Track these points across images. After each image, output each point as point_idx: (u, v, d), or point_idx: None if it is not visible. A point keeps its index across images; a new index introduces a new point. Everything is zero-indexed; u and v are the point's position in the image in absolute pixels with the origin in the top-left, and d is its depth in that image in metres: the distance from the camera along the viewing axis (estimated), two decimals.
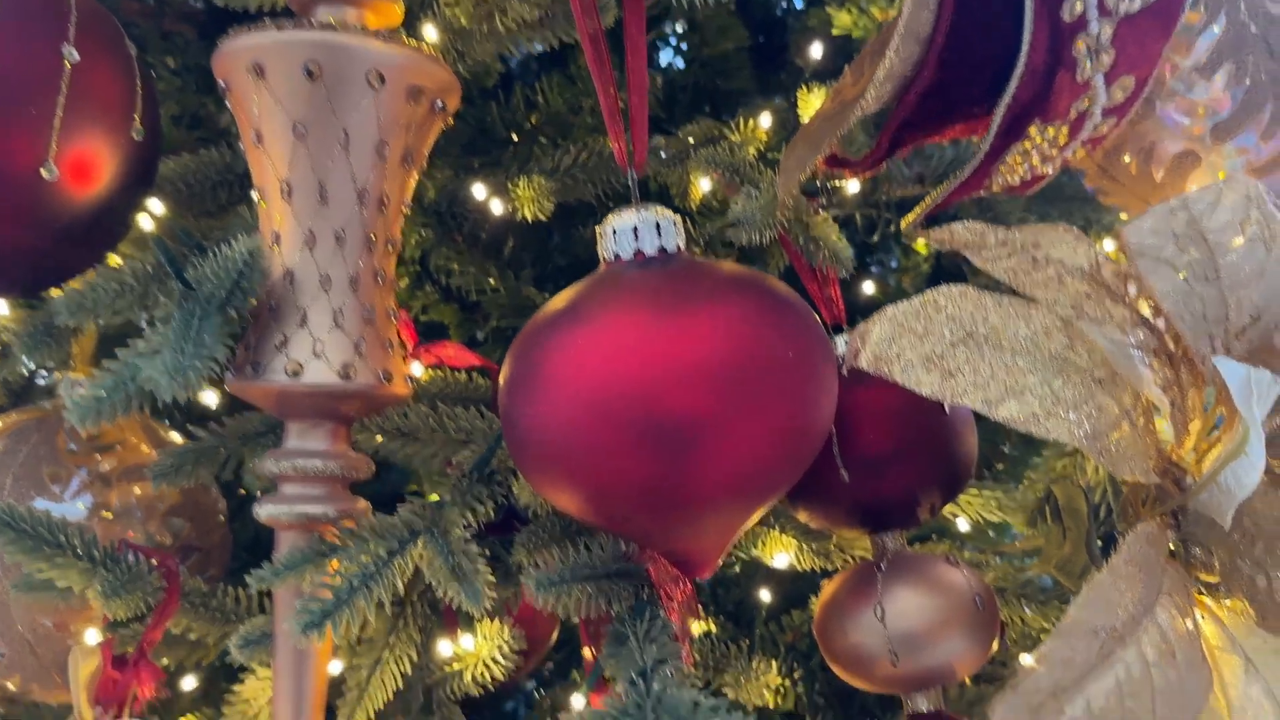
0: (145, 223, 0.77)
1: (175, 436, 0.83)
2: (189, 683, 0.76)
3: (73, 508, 0.78)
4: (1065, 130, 0.63)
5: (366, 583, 0.56)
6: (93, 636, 0.67)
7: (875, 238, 0.87)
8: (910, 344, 0.57)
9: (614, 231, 0.57)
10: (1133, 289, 0.60)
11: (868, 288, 0.84)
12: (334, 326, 0.59)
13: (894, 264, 1.02)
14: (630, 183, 0.59)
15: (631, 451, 0.52)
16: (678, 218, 0.57)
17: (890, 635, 0.61)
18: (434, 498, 0.68)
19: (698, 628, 0.78)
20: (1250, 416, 0.53)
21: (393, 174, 0.60)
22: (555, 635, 0.79)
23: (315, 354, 0.58)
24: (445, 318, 0.86)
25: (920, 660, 0.61)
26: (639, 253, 0.57)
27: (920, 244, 1.01)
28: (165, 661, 0.77)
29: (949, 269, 0.93)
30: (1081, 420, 0.55)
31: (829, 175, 0.72)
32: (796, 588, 0.80)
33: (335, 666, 0.71)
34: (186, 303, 0.57)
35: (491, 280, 0.83)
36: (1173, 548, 0.60)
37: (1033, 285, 0.60)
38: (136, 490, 0.80)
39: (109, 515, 0.81)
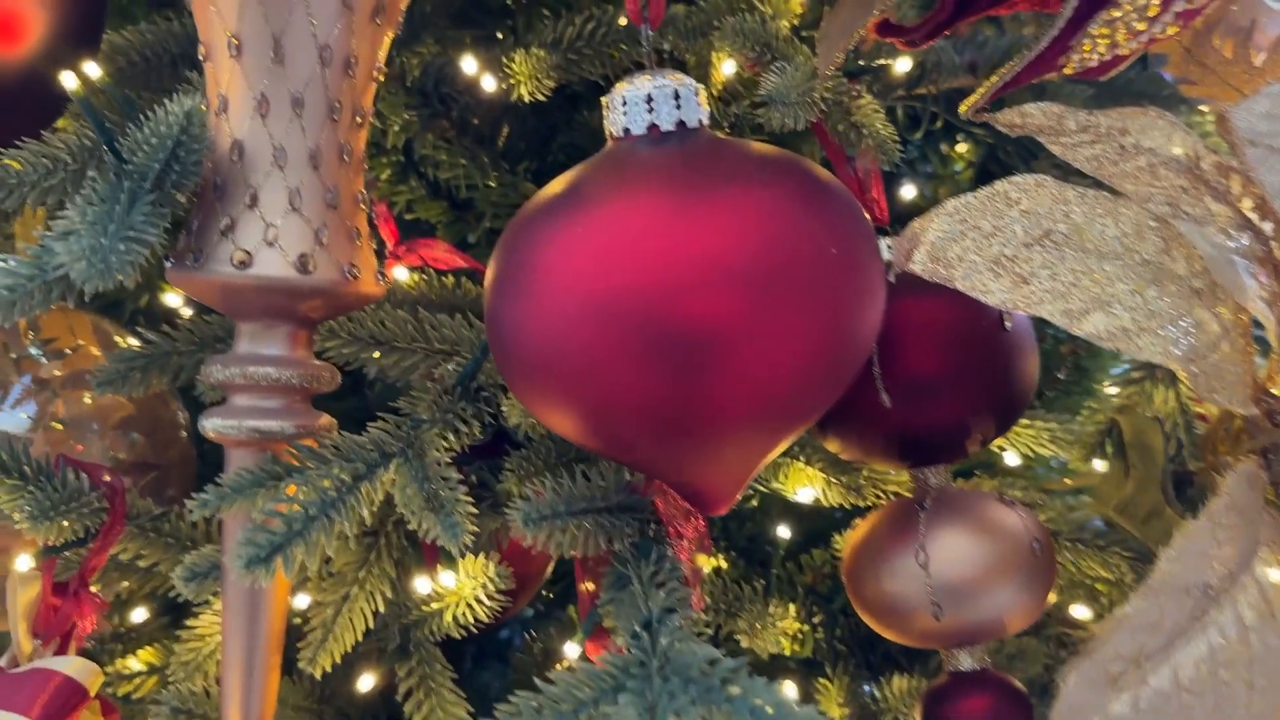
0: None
1: (133, 341, 0.75)
2: (140, 614, 0.69)
3: (14, 417, 0.70)
4: None
5: (326, 511, 0.47)
6: (25, 562, 0.59)
7: (919, 134, 0.77)
8: (976, 243, 0.48)
9: (623, 101, 0.48)
10: (1237, 185, 0.50)
11: (907, 191, 0.75)
12: (290, 210, 0.50)
13: (929, 170, 0.92)
14: (644, 41, 0.49)
15: (638, 364, 0.43)
16: (700, 86, 0.48)
17: (933, 584, 0.53)
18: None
19: (707, 564, 0.69)
20: None
21: (361, 29, 0.51)
22: (550, 571, 0.71)
23: (267, 241, 0.49)
24: (432, 216, 0.76)
25: (966, 613, 0.53)
26: (653, 127, 0.47)
27: (961, 149, 0.91)
28: (123, 586, 0.69)
29: (994, 175, 0.83)
30: (1178, 337, 0.46)
31: (876, 47, 0.63)
32: (817, 523, 0.72)
33: (301, 601, 0.63)
34: (117, 178, 0.48)
35: (485, 174, 0.73)
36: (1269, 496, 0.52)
37: (1121, 177, 0.51)
38: (87, 399, 0.72)
39: (59, 426, 0.72)
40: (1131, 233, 0.48)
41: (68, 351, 0.73)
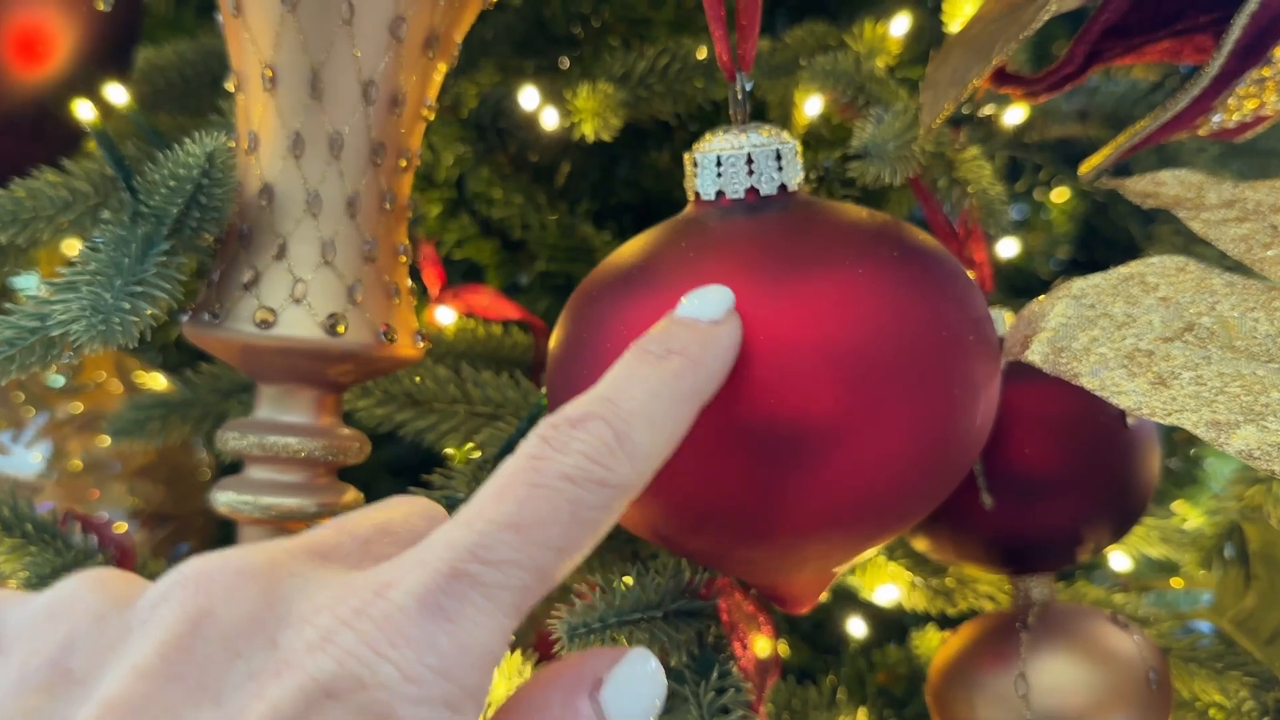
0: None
1: (156, 378, 0.70)
2: None
3: (25, 459, 0.65)
4: None
5: None
6: None
7: (1021, 186, 0.70)
8: (1106, 333, 0.41)
9: (718, 161, 0.41)
10: None
11: (1005, 248, 0.68)
12: (321, 263, 0.44)
13: (1018, 217, 0.84)
14: (739, 92, 0.43)
15: (720, 460, 0.37)
16: (798, 144, 0.42)
17: (1033, 716, 0.46)
18: (461, 459, 0.54)
19: (766, 646, 0.63)
20: None
21: (410, 63, 0.45)
22: None
23: (294, 298, 0.44)
24: (482, 256, 0.71)
25: None
26: (752, 190, 0.41)
27: (1059, 198, 0.83)
28: None
29: (1101, 232, 0.76)
30: None
31: (989, 96, 0.56)
32: (893, 616, 0.65)
33: None
34: (132, 221, 0.43)
35: (541, 213, 0.68)
36: None
37: (1272, 263, 0.44)
38: (104, 441, 0.67)
39: (76, 466, 0.68)
40: None
41: (88, 387, 0.69)
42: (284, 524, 0.45)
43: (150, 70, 0.66)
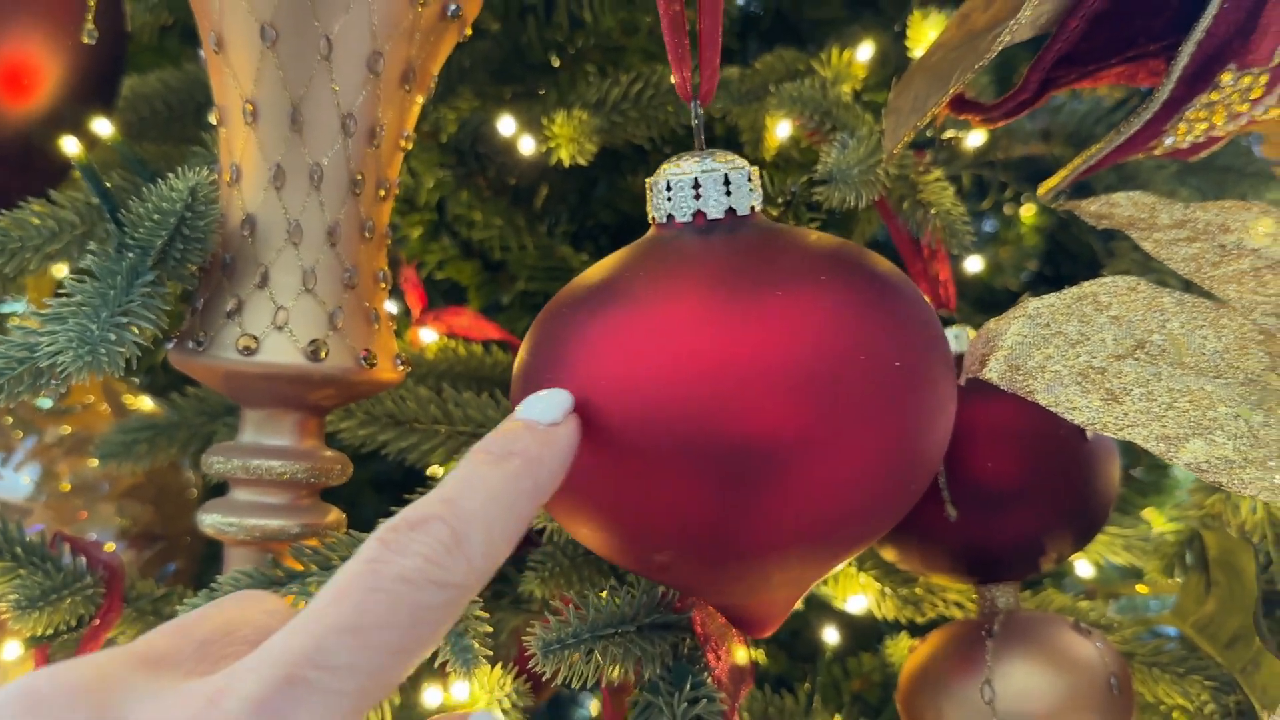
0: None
1: (144, 401, 0.71)
2: None
3: (15, 482, 0.66)
4: (1264, 80, 0.49)
5: None
6: (13, 650, 0.55)
7: (987, 204, 0.72)
8: (1060, 351, 0.42)
9: (667, 186, 0.43)
10: None
11: (971, 264, 0.70)
12: (303, 290, 0.46)
13: (989, 228, 0.86)
14: (694, 120, 0.44)
15: (678, 480, 0.38)
16: (754, 169, 0.43)
17: None
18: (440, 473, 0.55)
19: (742, 654, 0.64)
20: None
21: (388, 96, 0.47)
22: None
23: (276, 325, 0.45)
24: (464, 277, 0.72)
25: None
26: (699, 214, 0.42)
27: (1027, 213, 0.85)
28: None
29: (1066, 247, 0.78)
30: None
31: (950, 121, 0.58)
32: (867, 624, 0.67)
33: None
34: (118, 251, 0.44)
35: (520, 235, 0.69)
36: None
37: (1221, 281, 0.46)
38: (94, 462, 0.68)
39: (65, 488, 0.69)
40: (1235, 347, 0.43)
41: (76, 409, 0.70)
42: (268, 544, 0.46)
43: (135, 99, 0.67)
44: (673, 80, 0.44)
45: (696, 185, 0.42)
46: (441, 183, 0.68)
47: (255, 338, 0.45)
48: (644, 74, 0.63)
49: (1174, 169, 0.68)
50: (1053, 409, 0.41)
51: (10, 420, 0.66)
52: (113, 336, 0.40)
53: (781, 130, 0.63)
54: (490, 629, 0.44)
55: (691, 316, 0.39)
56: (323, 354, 0.45)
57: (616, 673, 0.44)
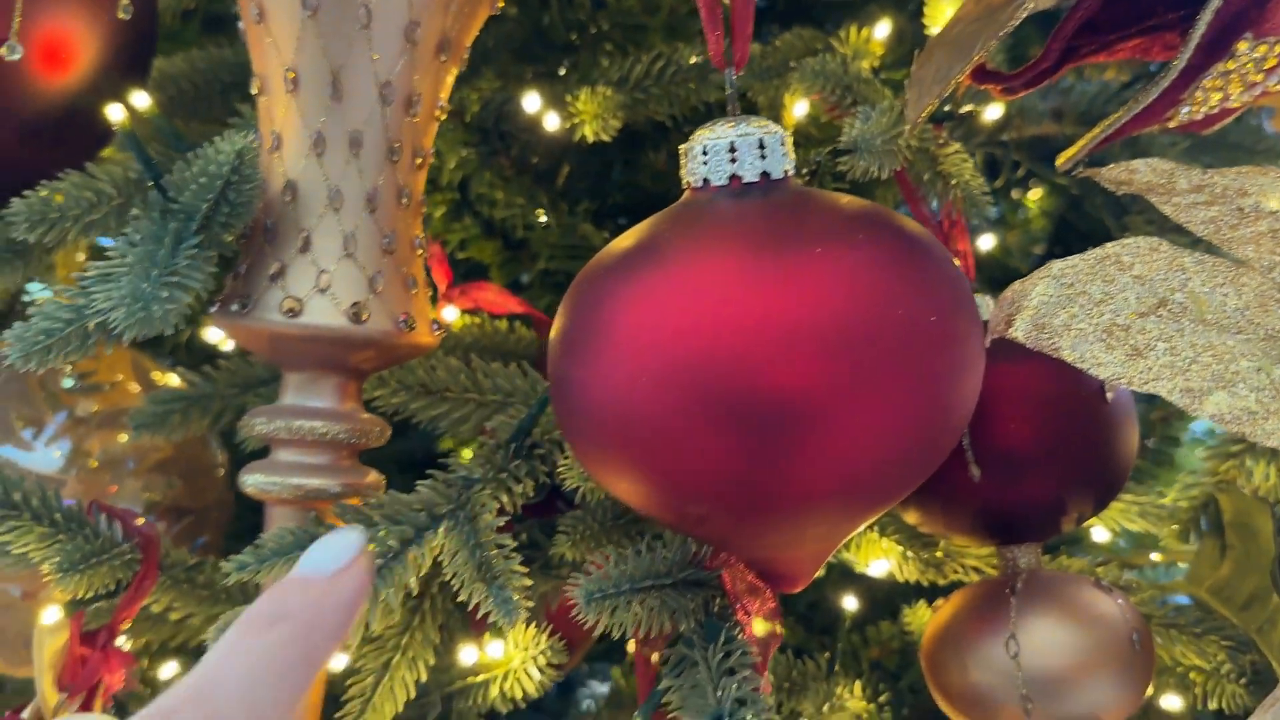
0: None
1: (172, 378, 0.72)
2: (170, 669, 0.66)
3: (46, 456, 0.67)
4: (1279, 50, 0.50)
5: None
6: (53, 614, 0.56)
7: (999, 182, 0.73)
8: (1085, 310, 0.44)
9: (704, 150, 0.44)
10: None
11: (984, 242, 0.71)
12: (344, 255, 0.47)
13: (996, 213, 0.87)
14: (728, 87, 0.45)
15: (715, 435, 0.39)
16: (788, 134, 0.44)
17: (1024, 676, 0.48)
18: (467, 455, 0.56)
19: (761, 628, 0.65)
20: None
21: (424, 66, 0.48)
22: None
23: (319, 289, 0.46)
24: (486, 256, 0.73)
25: (1058, 708, 0.49)
26: (735, 178, 0.44)
27: (1034, 197, 0.86)
28: (146, 640, 0.66)
29: (1076, 227, 0.79)
30: None
31: (970, 94, 0.59)
32: (885, 593, 0.68)
33: (339, 661, 0.59)
34: (162, 217, 0.45)
35: (542, 214, 0.70)
36: None
37: (1240, 242, 0.47)
38: (123, 438, 0.69)
39: (93, 464, 0.70)
40: (1255, 304, 0.44)
41: (105, 387, 0.71)
42: (310, 503, 0.47)
43: (162, 79, 0.68)
44: (692, 60, 0.45)
45: (732, 149, 0.43)
46: (465, 162, 0.69)
47: (299, 300, 0.46)
48: (665, 52, 0.64)
49: (1185, 145, 0.70)
50: (1078, 365, 0.42)
51: (41, 394, 0.67)
52: (164, 294, 0.41)
53: (799, 109, 0.65)
54: (529, 582, 0.45)
55: (728, 276, 0.40)
56: (364, 316, 0.46)
57: (655, 625, 0.45)
